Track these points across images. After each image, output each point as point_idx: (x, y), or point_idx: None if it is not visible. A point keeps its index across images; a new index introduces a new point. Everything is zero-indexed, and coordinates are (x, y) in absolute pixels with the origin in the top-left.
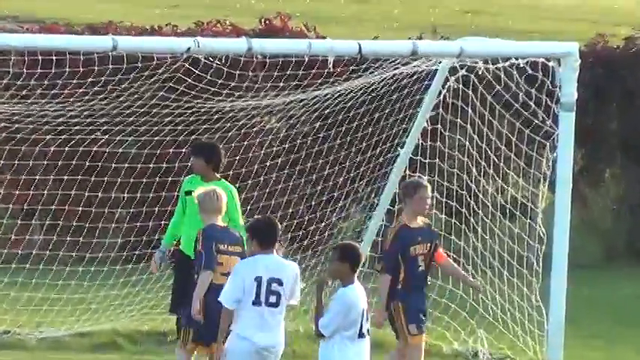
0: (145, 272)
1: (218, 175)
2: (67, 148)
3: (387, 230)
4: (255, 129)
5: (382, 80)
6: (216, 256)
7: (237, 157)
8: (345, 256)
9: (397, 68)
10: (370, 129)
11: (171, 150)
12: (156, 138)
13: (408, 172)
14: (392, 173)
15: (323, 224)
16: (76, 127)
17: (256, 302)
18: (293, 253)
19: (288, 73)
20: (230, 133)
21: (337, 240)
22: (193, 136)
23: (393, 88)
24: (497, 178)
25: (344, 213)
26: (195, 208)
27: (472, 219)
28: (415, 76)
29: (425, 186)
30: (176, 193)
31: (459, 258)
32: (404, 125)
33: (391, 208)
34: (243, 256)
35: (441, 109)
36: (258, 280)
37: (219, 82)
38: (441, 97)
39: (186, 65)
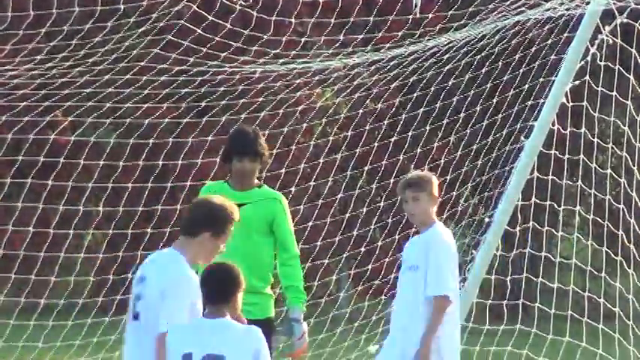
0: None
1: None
2: (9, 136)
3: None
4: (300, 107)
5: (496, 33)
6: None
7: (274, 152)
8: None
9: (521, 13)
10: (478, 107)
11: (170, 139)
12: (146, 121)
13: (536, 174)
14: (513, 175)
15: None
16: (22, 103)
17: None
18: (357, 300)
19: (351, 20)
20: (262, 114)
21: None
22: (205, 118)
23: (513, 44)
24: None
25: None
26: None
27: (634, 249)
28: (548, 26)
29: None
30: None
31: (614, 307)
32: (530, 101)
33: (511, 229)
34: None
35: (587, 77)
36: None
37: (246, 33)
38: (589, 58)
39: (194, 7)
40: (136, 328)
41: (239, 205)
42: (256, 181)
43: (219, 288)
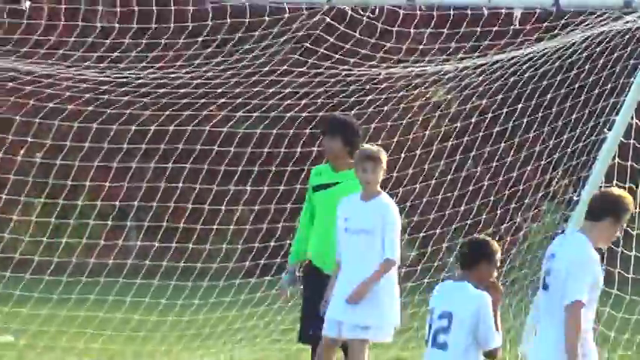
0: (273, 287)
1: (351, 162)
2: (171, 128)
3: None
4: (417, 103)
5: (584, 41)
6: None
7: (395, 140)
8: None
9: (606, 24)
10: (568, 103)
11: (307, 130)
12: (288, 114)
13: (617, 159)
14: (597, 162)
15: (505, 226)
16: (183, 101)
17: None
18: None
19: (461, 31)
20: (385, 108)
21: (523, 247)
22: (335, 113)
23: (599, 50)
24: None
25: (532, 212)
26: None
27: None
28: (629, 35)
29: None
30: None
31: None
32: (613, 99)
33: None
34: None
35: None
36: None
37: (372, 41)
38: None
39: (328, 19)
40: (547, 297)
41: (332, 184)
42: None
43: (467, 256)
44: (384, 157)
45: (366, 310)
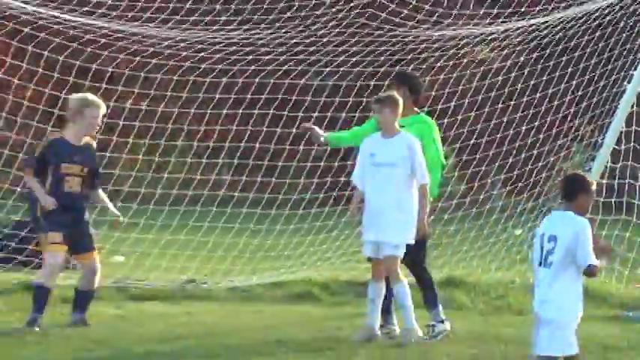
0: (344, 215)
1: (417, 109)
2: (257, 80)
3: None
4: (465, 60)
5: (609, 5)
6: None
7: (447, 91)
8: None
9: None
10: (594, 60)
11: (372, 82)
12: (355, 69)
13: (635, 108)
14: (618, 110)
15: (540, 164)
16: (267, 57)
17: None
18: (507, 196)
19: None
20: (439, 63)
21: (554, 182)
22: (397, 67)
23: (619, 15)
24: None
25: (564, 152)
26: None
27: None
28: None
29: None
30: None
31: None
32: (632, 56)
33: (617, 147)
34: None
35: None
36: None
37: (426, 7)
38: None
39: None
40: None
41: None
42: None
43: (566, 189)
44: (395, 100)
45: (398, 231)
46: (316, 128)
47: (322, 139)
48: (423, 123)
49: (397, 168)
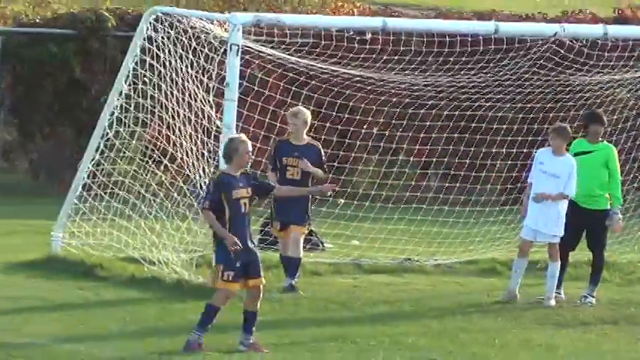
0: (518, 213)
1: (601, 138)
2: (457, 112)
3: None
4: (608, 99)
5: None
6: None
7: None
8: None
9: None
10: None
11: (540, 115)
12: (528, 105)
13: None
14: None
15: None
16: (464, 96)
17: None
18: None
19: (637, 54)
20: (588, 102)
21: None
22: (559, 104)
23: None
24: None
25: None
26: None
27: None
28: None
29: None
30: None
31: None
32: None
33: None
34: None
35: None
36: None
37: (581, 60)
38: None
39: (554, 47)
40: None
41: (588, 152)
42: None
43: None
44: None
45: (554, 224)
46: None
47: None
48: (609, 150)
49: (558, 179)
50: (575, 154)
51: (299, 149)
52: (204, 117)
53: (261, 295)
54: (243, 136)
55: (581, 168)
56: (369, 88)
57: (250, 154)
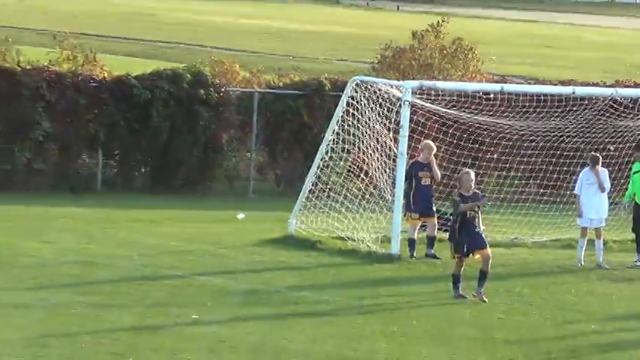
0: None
1: None
2: (548, 144)
3: None
4: None
5: None
6: None
7: None
8: None
9: None
10: None
11: (600, 146)
12: (592, 140)
13: None
14: None
15: None
16: (552, 133)
17: None
18: None
19: None
20: (633, 137)
21: None
22: (613, 139)
23: None
24: None
25: None
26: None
27: None
28: None
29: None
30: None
31: None
32: None
33: None
34: None
35: None
36: None
37: (627, 111)
38: None
39: (610, 102)
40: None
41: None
42: None
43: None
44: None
45: (603, 214)
46: None
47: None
48: None
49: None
50: (634, 173)
51: (427, 165)
52: (386, 147)
53: (490, 260)
54: (466, 169)
55: (635, 182)
56: (492, 128)
57: (472, 181)
